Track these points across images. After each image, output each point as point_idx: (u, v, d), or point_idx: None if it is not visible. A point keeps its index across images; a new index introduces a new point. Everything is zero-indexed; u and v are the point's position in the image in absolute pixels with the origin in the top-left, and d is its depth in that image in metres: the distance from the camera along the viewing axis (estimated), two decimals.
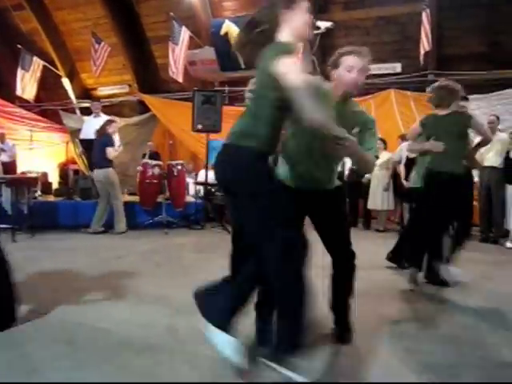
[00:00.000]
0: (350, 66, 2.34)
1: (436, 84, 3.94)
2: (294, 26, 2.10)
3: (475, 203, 6.14)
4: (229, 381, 2.16)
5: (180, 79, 9.96)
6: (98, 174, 6.71)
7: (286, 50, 1.98)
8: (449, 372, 2.31)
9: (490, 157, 6.54)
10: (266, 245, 1.99)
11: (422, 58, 8.42)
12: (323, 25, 9.73)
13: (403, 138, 6.91)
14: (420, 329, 2.95)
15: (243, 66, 9.82)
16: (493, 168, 6.55)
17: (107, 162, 6.66)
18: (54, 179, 10.74)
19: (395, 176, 7.45)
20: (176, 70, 9.78)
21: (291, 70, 1.89)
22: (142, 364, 2.32)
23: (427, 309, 3.42)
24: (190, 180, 8.74)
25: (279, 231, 1.95)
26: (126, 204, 7.08)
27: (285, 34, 2.10)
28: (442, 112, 3.83)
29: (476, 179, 6.17)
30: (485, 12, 8.47)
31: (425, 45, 8.24)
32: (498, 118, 6.78)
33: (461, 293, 3.82)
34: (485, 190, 6.68)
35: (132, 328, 2.82)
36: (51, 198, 8.05)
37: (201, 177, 8.76)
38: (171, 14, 9.66)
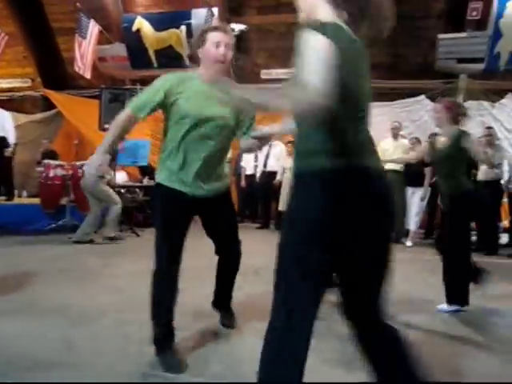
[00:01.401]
0: (217, 42, 2.27)
1: None
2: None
3: None
4: None
5: (87, 75, 9.45)
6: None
7: None
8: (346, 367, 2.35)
9: None
10: None
11: None
12: (237, 27, 9.82)
13: None
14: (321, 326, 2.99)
15: (155, 65, 9.53)
16: (394, 171, 6.93)
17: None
18: None
19: None
20: (83, 65, 9.25)
21: None
22: (33, 381, 2.11)
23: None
24: None
25: None
26: (26, 207, 6.56)
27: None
28: None
29: None
30: None
31: None
32: (400, 124, 7.21)
33: None
34: None
35: (23, 342, 2.57)
36: None
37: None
38: (78, 5, 9.12)
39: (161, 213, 2.36)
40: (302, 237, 1.35)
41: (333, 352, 2.56)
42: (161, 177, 2.38)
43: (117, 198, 6.44)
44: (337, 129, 1.36)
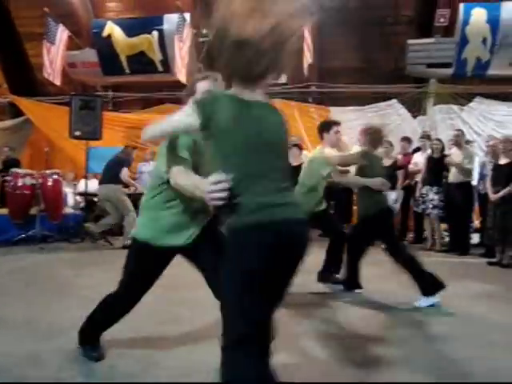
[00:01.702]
0: (207, 91, 2.18)
1: None
2: None
3: (354, 207, 6.51)
4: None
5: (57, 81, 9.25)
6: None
7: None
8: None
9: None
10: None
11: (305, 70, 8.78)
12: (210, 33, 9.79)
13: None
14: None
15: (127, 71, 9.39)
16: None
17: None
18: None
19: None
20: (52, 71, 9.05)
21: None
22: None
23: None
24: (69, 190, 8.12)
25: None
26: None
27: None
28: None
29: None
30: (358, 30, 9.11)
31: (307, 57, 8.62)
32: None
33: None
34: None
35: None
36: None
37: (81, 187, 8.18)
38: (46, 9, 8.94)
39: None
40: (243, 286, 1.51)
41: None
42: None
43: (131, 206, 6.53)
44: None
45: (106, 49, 9.38)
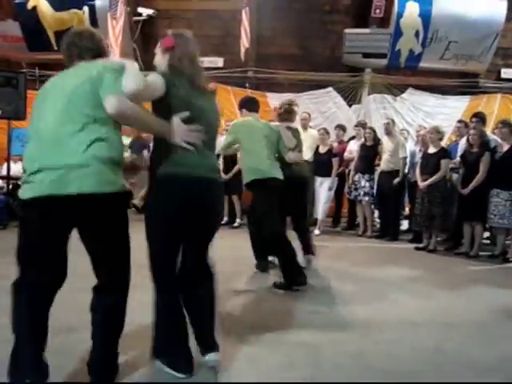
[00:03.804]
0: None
1: None
2: None
3: None
4: None
5: None
6: None
7: None
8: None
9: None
10: None
11: (242, 54, 8.65)
12: (145, 12, 9.40)
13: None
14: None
15: (55, 48, 8.79)
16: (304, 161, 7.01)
17: None
18: None
19: None
20: None
21: None
22: None
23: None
24: None
25: None
26: None
27: None
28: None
29: None
30: (296, 17, 9.09)
31: (244, 42, 8.49)
32: (309, 115, 7.31)
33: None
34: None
35: None
36: None
37: (4, 170, 7.62)
38: None
39: None
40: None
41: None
42: None
43: None
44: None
45: (31, 22, 8.72)
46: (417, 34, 8.68)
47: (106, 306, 2.02)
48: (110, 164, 1.90)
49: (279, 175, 3.91)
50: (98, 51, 2.15)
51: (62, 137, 1.86)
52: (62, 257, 2.00)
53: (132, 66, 1.98)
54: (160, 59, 2.29)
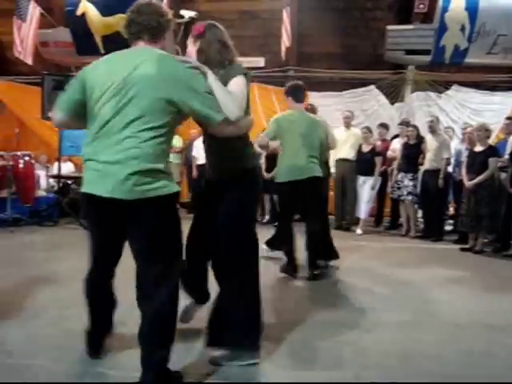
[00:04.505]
0: None
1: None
2: None
3: (331, 193, 6.52)
4: None
5: (29, 61, 8.94)
6: None
7: None
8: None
9: (344, 150, 6.97)
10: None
11: (283, 53, 8.69)
12: (187, 14, 9.56)
13: None
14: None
15: (102, 51, 9.14)
16: (346, 160, 7.00)
17: None
18: None
19: None
20: (23, 50, 8.74)
21: None
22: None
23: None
24: (41, 173, 7.92)
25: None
26: None
27: None
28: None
29: (332, 170, 6.56)
30: (337, 14, 9.03)
31: (285, 41, 8.52)
32: (352, 113, 7.28)
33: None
34: (339, 181, 7.11)
35: None
36: None
37: (55, 169, 8.00)
38: None
39: None
40: None
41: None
42: None
43: None
44: None
45: (80, 28, 9.06)
46: (463, 29, 8.43)
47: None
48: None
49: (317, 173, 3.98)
50: (157, 29, 2.07)
51: None
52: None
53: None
54: (191, 48, 2.32)
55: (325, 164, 4.58)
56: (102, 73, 1.98)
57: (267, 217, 7.40)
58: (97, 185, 1.89)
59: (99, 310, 2.23)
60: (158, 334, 1.95)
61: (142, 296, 1.99)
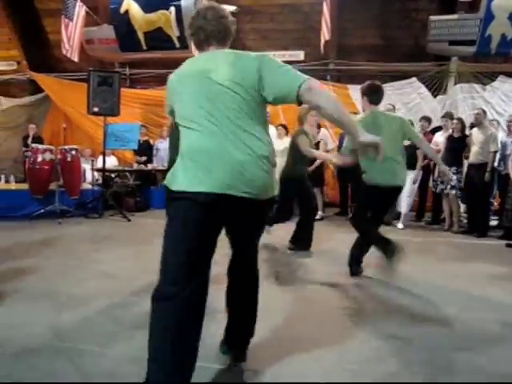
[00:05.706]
0: None
1: None
2: None
3: None
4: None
5: (75, 58, 9.25)
6: None
7: None
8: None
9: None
10: None
11: (322, 46, 8.62)
12: (228, 8, 9.64)
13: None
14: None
15: (145, 47, 9.38)
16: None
17: None
18: None
19: None
20: (70, 47, 9.05)
21: None
22: (18, 369, 2.08)
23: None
24: (86, 166, 8.20)
25: None
26: (14, 192, 6.45)
27: None
28: None
29: None
30: (378, 6, 8.87)
31: (325, 34, 8.45)
32: (393, 106, 7.17)
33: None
34: None
35: (10, 329, 2.54)
36: None
37: (99, 163, 8.26)
38: None
39: None
40: None
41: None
42: None
43: None
44: None
45: (123, 25, 9.32)
46: (510, 17, 8.13)
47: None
48: None
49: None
50: (225, 33, 2.07)
51: None
52: None
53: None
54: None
55: None
56: None
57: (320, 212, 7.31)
58: None
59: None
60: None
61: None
